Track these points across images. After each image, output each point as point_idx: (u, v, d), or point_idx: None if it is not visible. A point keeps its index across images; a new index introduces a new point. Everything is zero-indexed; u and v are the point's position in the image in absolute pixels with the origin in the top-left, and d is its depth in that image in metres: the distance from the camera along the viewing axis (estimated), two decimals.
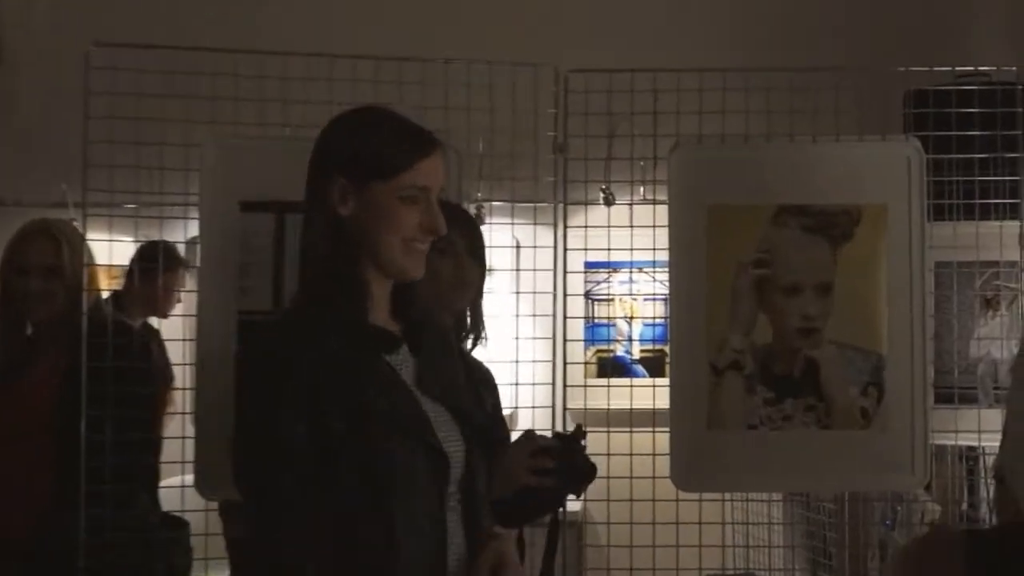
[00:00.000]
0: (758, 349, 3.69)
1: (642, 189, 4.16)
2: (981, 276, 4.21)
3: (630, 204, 3.99)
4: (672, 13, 5.84)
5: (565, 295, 3.98)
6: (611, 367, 4.96)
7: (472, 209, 4.37)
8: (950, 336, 4.20)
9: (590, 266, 4.75)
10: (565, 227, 3.93)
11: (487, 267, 3.02)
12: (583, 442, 2.32)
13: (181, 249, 4.36)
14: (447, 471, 2.11)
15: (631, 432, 3.75)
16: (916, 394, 3.67)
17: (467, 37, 5.07)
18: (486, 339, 3.00)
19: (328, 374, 2.03)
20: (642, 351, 5.53)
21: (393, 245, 2.13)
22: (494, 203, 4.10)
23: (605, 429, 3.62)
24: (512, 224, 4.08)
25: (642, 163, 4.10)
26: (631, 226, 3.89)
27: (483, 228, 3.88)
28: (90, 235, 3.72)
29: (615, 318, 5.38)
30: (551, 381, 3.92)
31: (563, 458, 2.26)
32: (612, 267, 4.76)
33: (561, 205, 3.97)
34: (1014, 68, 3.95)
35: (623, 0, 5.84)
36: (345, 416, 2.02)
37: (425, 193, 2.15)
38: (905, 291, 3.70)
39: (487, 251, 3.03)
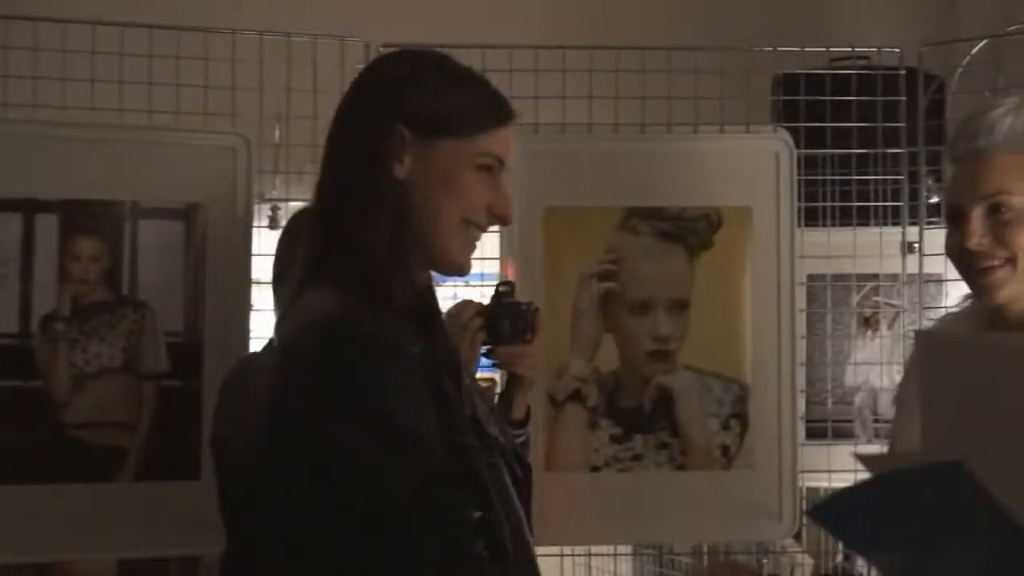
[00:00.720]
0: (603, 377, 3.68)
1: None
2: (859, 291, 4.27)
3: None
4: None
5: None
6: None
7: (266, 211, 4.30)
8: (823, 361, 4.25)
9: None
10: None
11: None
12: (513, 296, 2.85)
13: None
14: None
15: None
16: (784, 429, 3.70)
17: (260, 4, 4.97)
18: None
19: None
20: None
21: (451, 223, 2.04)
22: (291, 203, 4.01)
23: None
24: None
25: None
26: None
27: (278, 233, 3.82)
28: None
29: None
30: None
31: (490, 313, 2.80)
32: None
33: None
34: (897, 50, 4.01)
35: None
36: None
37: (500, 167, 2.09)
38: (772, 308, 3.72)
39: None
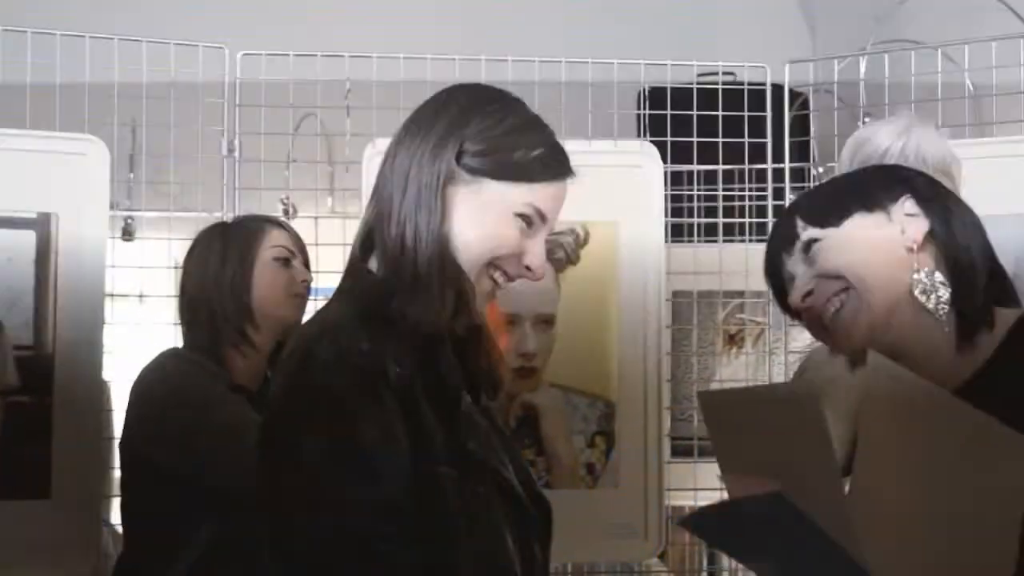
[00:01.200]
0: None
1: (330, 200, 4.07)
2: (724, 308, 4.28)
3: (315, 218, 3.88)
4: None
5: None
6: None
7: (120, 222, 4.20)
8: (689, 378, 4.25)
9: None
10: None
11: None
12: None
13: None
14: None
15: None
16: (651, 446, 3.69)
17: (114, 7, 4.86)
18: None
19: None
20: None
21: (477, 262, 1.96)
22: (147, 214, 3.92)
23: None
24: (169, 240, 3.89)
25: (331, 168, 4.02)
26: (316, 244, 3.78)
27: (132, 244, 3.73)
28: None
29: None
30: None
31: None
32: None
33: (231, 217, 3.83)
34: (764, 66, 4.03)
35: None
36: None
37: (541, 222, 2.01)
38: (639, 325, 3.71)
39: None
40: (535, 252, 2.00)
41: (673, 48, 4.34)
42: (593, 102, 3.86)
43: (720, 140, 3.97)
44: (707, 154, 4.00)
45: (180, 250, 4.04)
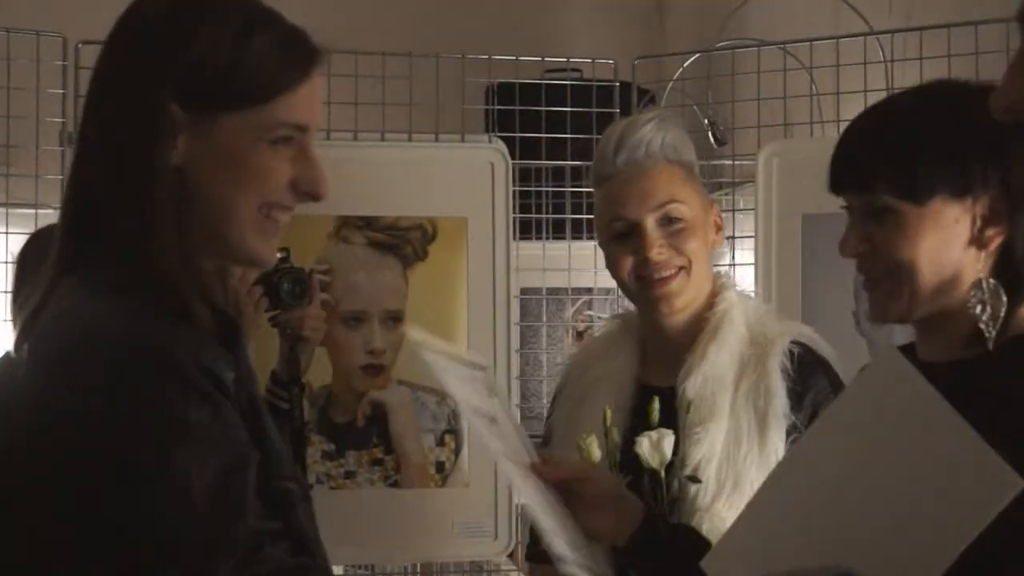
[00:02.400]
0: (315, 391, 3.61)
1: None
2: (573, 304, 4.31)
3: None
4: None
5: None
6: None
7: None
8: (538, 374, 4.27)
9: None
10: None
11: None
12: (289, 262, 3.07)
13: None
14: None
15: None
16: None
17: None
18: None
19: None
20: None
21: (247, 214, 1.68)
22: None
23: None
24: (7, 234, 3.81)
25: None
26: None
27: None
28: None
29: None
30: None
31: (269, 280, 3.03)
32: None
33: None
34: (612, 62, 4.06)
35: None
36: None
37: (302, 135, 1.72)
38: (488, 322, 3.73)
39: None
40: (310, 170, 1.73)
41: (522, 44, 4.36)
42: (441, 97, 3.86)
43: (569, 136, 3.99)
44: (556, 151, 4.01)
45: (17, 244, 3.98)
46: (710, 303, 2.47)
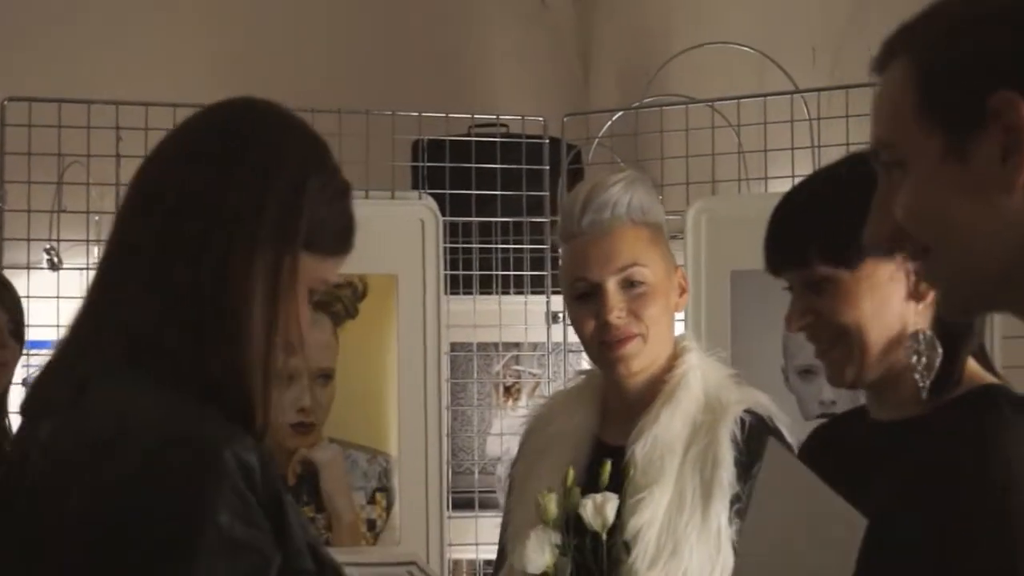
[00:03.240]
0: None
1: (96, 250, 4.01)
2: (500, 360, 4.33)
3: (85, 269, 3.82)
4: (147, 41, 5.67)
5: None
6: None
7: None
8: (467, 431, 4.28)
9: (32, 345, 4.49)
10: None
11: None
12: None
13: None
14: None
15: None
16: (431, 501, 3.72)
17: None
18: None
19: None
20: None
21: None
22: None
23: None
24: None
25: (97, 219, 3.96)
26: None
27: None
28: None
29: None
30: None
31: None
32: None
33: None
34: (541, 119, 4.10)
35: (82, 20, 5.62)
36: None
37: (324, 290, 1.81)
38: (419, 379, 3.75)
39: None
40: (301, 326, 1.73)
41: (450, 101, 4.40)
42: (371, 153, 3.88)
43: (499, 193, 4.03)
44: (486, 206, 4.04)
45: None
46: (670, 365, 2.45)
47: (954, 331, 1.86)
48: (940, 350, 1.84)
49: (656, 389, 2.44)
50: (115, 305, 1.67)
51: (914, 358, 1.84)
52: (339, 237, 1.74)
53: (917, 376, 1.83)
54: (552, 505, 2.33)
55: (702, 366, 2.48)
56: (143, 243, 1.69)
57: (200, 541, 1.52)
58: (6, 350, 2.81)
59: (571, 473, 2.39)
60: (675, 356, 2.47)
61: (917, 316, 1.88)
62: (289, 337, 1.70)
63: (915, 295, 1.88)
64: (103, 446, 1.57)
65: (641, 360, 2.42)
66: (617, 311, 2.39)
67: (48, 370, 1.71)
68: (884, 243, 1.41)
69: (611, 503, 2.31)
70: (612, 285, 2.40)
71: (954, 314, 1.45)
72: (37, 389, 1.72)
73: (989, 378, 1.89)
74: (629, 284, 2.41)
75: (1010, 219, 1.29)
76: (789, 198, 1.99)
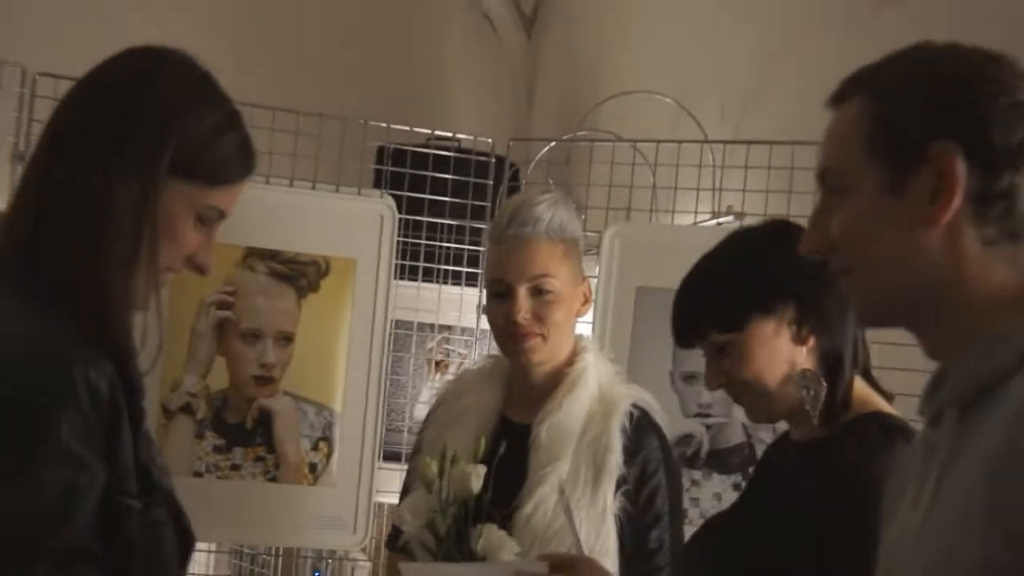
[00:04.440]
0: (213, 394, 3.56)
1: None
2: (434, 339, 4.31)
3: None
4: (161, 32, 5.57)
5: None
6: None
7: None
8: (402, 395, 4.26)
9: None
10: None
11: None
12: None
13: None
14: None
15: None
16: (366, 452, 3.68)
17: None
18: None
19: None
20: None
21: (158, 268, 1.63)
22: None
23: None
24: None
25: None
26: None
27: None
28: None
29: None
30: None
31: None
32: None
33: None
34: (489, 140, 4.09)
35: (113, 9, 5.53)
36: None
37: (218, 221, 1.68)
38: (365, 347, 3.71)
39: None
40: (208, 250, 1.69)
41: (412, 114, 4.37)
42: (343, 155, 3.84)
43: (448, 200, 4.01)
44: (436, 208, 4.02)
45: None
46: (570, 360, 2.47)
47: (833, 365, 1.90)
48: (824, 383, 1.87)
49: (557, 379, 2.45)
50: (7, 225, 1.64)
51: (803, 392, 1.87)
52: (222, 167, 1.65)
53: (808, 407, 1.86)
54: (431, 472, 2.30)
55: (597, 364, 2.49)
56: (33, 175, 1.65)
57: (41, 448, 1.47)
58: None
59: (483, 442, 2.37)
60: (575, 353, 2.49)
61: (803, 357, 1.91)
62: (172, 259, 1.64)
63: (799, 339, 1.91)
64: None
65: (540, 355, 2.43)
66: (524, 312, 2.39)
67: None
68: (817, 254, 1.41)
69: (477, 474, 2.28)
70: (523, 290, 2.40)
71: (867, 324, 1.47)
72: None
73: (878, 403, 1.93)
74: (538, 291, 2.41)
75: (928, 252, 1.31)
76: (684, 285, 2.05)
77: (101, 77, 1.69)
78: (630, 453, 2.37)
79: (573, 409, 2.40)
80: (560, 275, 2.42)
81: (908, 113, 1.33)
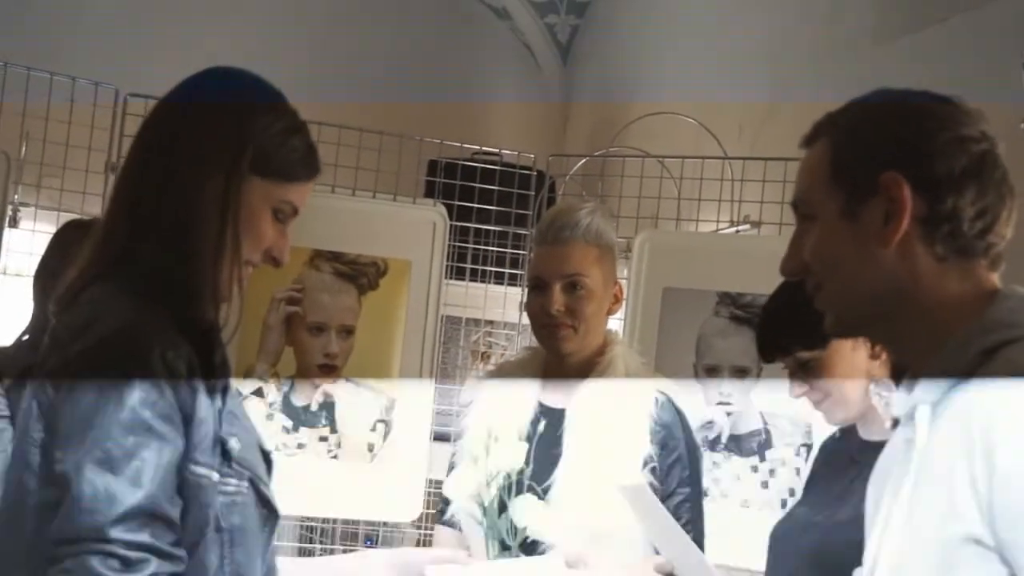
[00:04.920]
0: (282, 380, 3.67)
1: None
2: (479, 332, 4.40)
3: None
4: (239, 55, 5.67)
5: None
6: None
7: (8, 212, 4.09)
8: (450, 382, 4.34)
9: None
10: None
11: None
12: None
13: None
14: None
15: None
16: (419, 433, 3.77)
17: (32, 45, 4.72)
18: None
19: None
20: None
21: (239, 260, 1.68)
22: (38, 209, 3.84)
23: None
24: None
25: None
26: None
27: (23, 233, 3.65)
28: None
29: None
30: None
31: None
32: None
33: None
34: (532, 155, 4.18)
35: (193, 34, 5.65)
36: None
37: (292, 217, 1.73)
38: (418, 339, 3.80)
39: None
40: (284, 244, 1.73)
41: (465, 133, 4.47)
42: (401, 167, 3.96)
43: (494, 208, 4.11)
44: (483, 216, 4.12)
45: None
46: (601, 351, 2.51)
47: (902, 376, 1.96)
48: (895, 391, 1.94)
49: (589, 368, 2.48)
50: (107, 229, 1.69)
51: (876, 398, 1.94)
52: (293, 165, 1.70)
53: (882, 412, 1.93)
54: (479, 447, 2.35)
55: (625, 355, 2.53)
56: (126, 181, 1.71)
57: (113, 411, 1.51)
58: None
59: (523, 424, 2.43)
60: (605, 344, 2.51)
61: (878, 369, 1.98)
62: (252, 251, 1.69)
63: (874, 355, 1.99)
64: (77, 329, 1.58)
65: (571, 344, 2.45)
66: (558, 305, 2.43)
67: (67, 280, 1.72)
68: (792, 276, 1.48)
69: (519, 450, 2.33)
70: (558, 286, 2.44)
71: (839, 335, 1.51)
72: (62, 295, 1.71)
73: None
74: (571, 287, 2.45)
75: (885, 268, 1.39)
76: (769, 306, 2.09)
77: (185, 92, 1.75)
78: (655, 434, 2.43)
79: (604, 392, 2.46)
80: (592, 275, 2.46)
81: (861, 148, 1.41)
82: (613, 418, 2.42)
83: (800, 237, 1.45)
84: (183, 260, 1.63)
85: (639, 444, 2.39)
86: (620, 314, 3.96)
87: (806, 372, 2.01)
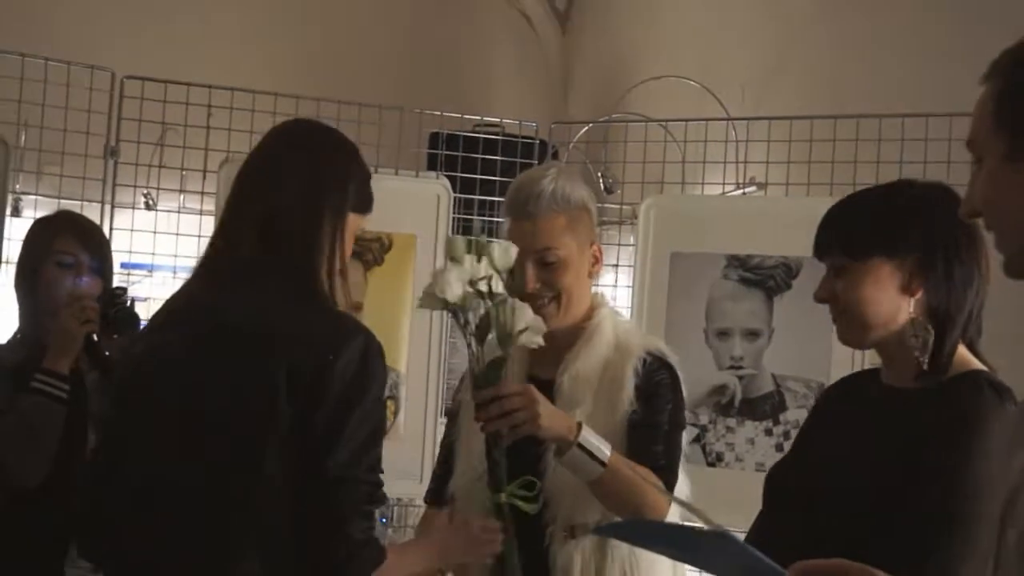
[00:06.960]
0: None
1: (181, 197, 4.04)
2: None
3: (178, 212, 3.85)
4: (236, 34, 5.66)
5: None
6: None
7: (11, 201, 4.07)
8: (457, 356, 4.31)
9: (131, 267, 4.50)
10: (111, 228, 3.74)
11: None
12: (124, 296, 2.70)
13: None
14: None
15: None
16: (429, 409, 3.76)
17: (25, 30, 4.69)
18: None
19: None
20: None
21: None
22: (39, 197, 3.81)
23: None
24: None
25: (184, 173, 3.98)
26: (177, 233, 3.77)
27: (26, 222, 3.63)
28: None
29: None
30: None
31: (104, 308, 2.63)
32: (150, 269, 4.48)
33: (108, 206, 3.77)
34: (534, 124, 4.15)
35: (190, 13, 5.61)
36: None
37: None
38: (426, 315, 3.75)
39: None
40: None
41: (464, 103, 4.44)
42: (402, 140, 3.93)
43: (497, 179, 4.07)
44: (487, 187, 4.09)
45: None
46: (588, 315, 2.47)
47: (942, 321, 1.91)
48: (932, 332, 1.89)
49: (576, 335, 2.45)
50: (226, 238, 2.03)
51: (912, 340, 1.89)
52: (368, 204, 2.11)
53: (916, 353, 1.88)
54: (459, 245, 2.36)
55: (612, 317, 2.50)
56: (251, 205, 2.02)
57: (376, 395, 1.96)
58: (92, 282, 2.68)
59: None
60: (592, 308, 2.48)
61: (908, 305, 1.92)
62: (343, 265, 2.05)
63: (908, 290, 1.92)
64: (332, 335, 1.92)
65: (555, 320, 2.39)
66: (532, 283, 2.39)
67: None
68: (968, 218, 1.47)
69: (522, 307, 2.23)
70: (529, 263, 2.40)
71: (1012, 276, 1.45)
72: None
73: (976, 364, 1.92)
74: (544, 262, 2.41)
75: None
76: (836, 205, 2.04)
77: (294, 139, 2.09)
78: (640, 391, 2.39)
79: (591, 358, 2.41)
80: (564, 244, 2.40)
81: (1020, 91, 1.37)
82: (600, 383, 2.40)
83: (974, 179, 1.43)
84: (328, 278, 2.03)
85: (623, 403, 2.37)
86: (628, 281, 3.95)
87: (836, 278, 1.97)
